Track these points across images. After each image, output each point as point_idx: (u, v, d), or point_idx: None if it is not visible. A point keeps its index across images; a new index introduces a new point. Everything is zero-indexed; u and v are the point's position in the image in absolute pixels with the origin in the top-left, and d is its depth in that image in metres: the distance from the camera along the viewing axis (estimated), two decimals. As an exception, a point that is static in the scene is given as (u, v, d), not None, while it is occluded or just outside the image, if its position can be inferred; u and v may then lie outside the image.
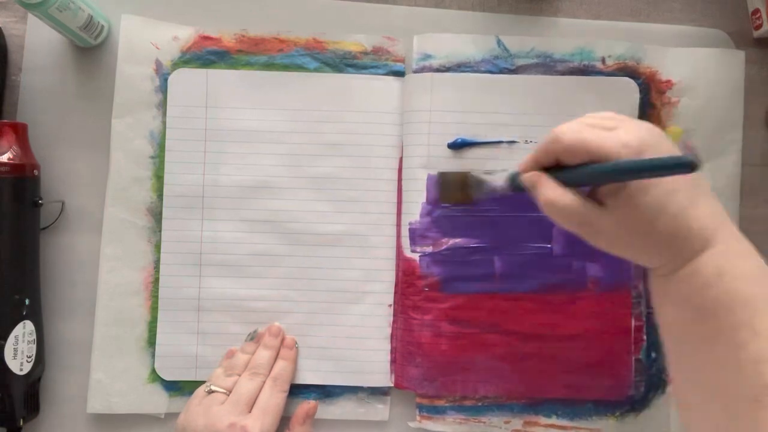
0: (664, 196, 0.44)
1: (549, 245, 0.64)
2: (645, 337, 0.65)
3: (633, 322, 0.65)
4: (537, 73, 0.66)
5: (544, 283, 0.64)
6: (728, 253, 0.45)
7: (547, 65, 0.66)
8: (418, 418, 0.65)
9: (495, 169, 0.55)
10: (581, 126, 0.46)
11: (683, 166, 0.41)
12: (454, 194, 0.61)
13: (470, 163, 0.65)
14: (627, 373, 0.65)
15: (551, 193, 0.47)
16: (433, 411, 0.65)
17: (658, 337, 0.65)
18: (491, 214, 0.64)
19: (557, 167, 0.48)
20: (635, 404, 0.65)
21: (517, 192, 0.52)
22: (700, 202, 0.45)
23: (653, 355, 0.65)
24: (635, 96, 0.65)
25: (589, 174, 0.46)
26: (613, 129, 0.46)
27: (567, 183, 0.47)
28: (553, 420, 0.65)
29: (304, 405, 0.64)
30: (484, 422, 0.65)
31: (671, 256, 0.46)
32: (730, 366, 0.42)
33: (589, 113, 0.48)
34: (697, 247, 0.45)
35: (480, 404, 0.65)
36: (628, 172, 0.44)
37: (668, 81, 0.66)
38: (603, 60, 0.66)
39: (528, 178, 0.49)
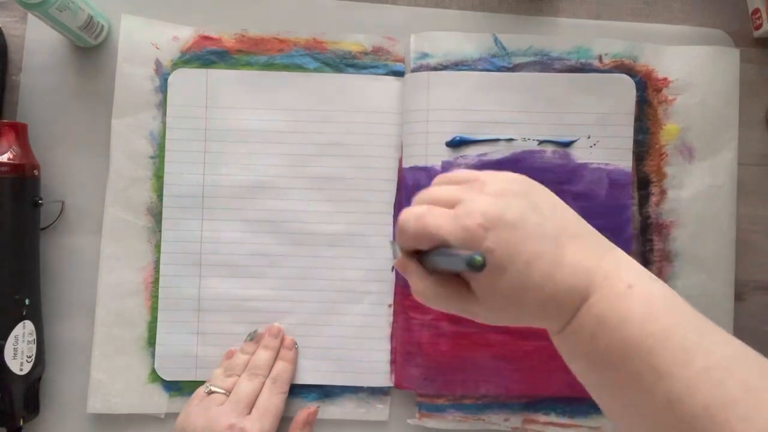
0: (524, 270, 0.40)
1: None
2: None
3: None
4: (534, 71, 0.66)
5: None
6: (607, 298, 0.41)
7: (544, 63, 0.66)
8: (417, 415, 0.65)
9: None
10: (423, 209, 0.43)
11: (472, 267, 0.37)
12: None
13: (469, 160, 0.65)
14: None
15: (417, 283, 0.44)
16: (432, 409, 0.65)
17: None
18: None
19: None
20: (635, 403, 0.65)
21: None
22: (566, 255, 0.41)
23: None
24: (632, 93, 0.65)
25: (433, 263, 0.42)
26: (457, 203, 0.42)
27: (431, 268, 0.43)
28: (552, 418, 0.65)
29: (305, 410, 0.63)
30: (484, 420, 0.65)
31: (552, 320, 0.43)
32: (645, 412, 0.39)
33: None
34: (574, 304, 0.41)
35: (480, 402, 0.65)
36: (452, 266, 0.41)
37: (665, 79, 0.66)
38: (600, 58, 0.66)
39: (397, 265, 0.46)
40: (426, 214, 0.42)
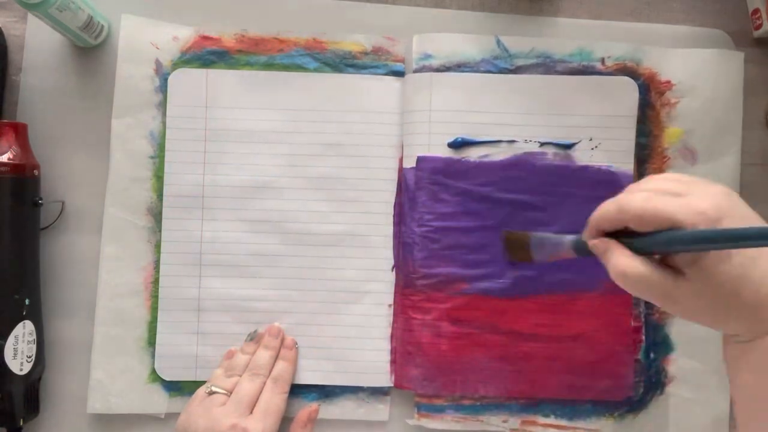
0: (748, 263, 0.41)
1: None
2: (643, 338, 0.65)
3: (632, 323, 0.65)
4: (536, 73, 0.66)
5: (544, 284, 0.65)
6: None
7: (546, 65, 0.66)
8: (416, 416, 0.65)
9: (561, 233, 0.51)
10: (649, 194, 0.43)
11: None
12: (516, 253, 0.56)
13: (470, 162, 0.65)
14: (626, 373, 0.65)
15: (623, 262, 0.43)
16: (431, 409, 0.65)
17: (656, 337, 0.65)
18: (492, 216, 0.65)
19: (625, 233, 0.44)
20: (634, 405, 0.65)
21: (584, 256, 0.49)
22: None
23: (652, 356, 0.65)
24: (635, 96, 0.66)
25: (664, 242, 0.42)
26: (683, 195, 0.42)
27: (638, 250, 0.43)
28: (551, 420, 0.65)
29: (306, 409, 0.63)
30: (482, 421, 0.65)
31: (753, 325, 0.42)
32: None
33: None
34: None
35: (478, 403, 0.65)
36: (708, 242, 0.40)
37: (668, 82, 0.66)
38: (602, 61, 0.66)
39: (596, 245, 0.46)
40: (652, 197, 0.43)
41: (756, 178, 0.68)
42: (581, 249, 0.49)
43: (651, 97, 0.66)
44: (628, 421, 0.65)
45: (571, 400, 0.65)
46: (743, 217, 0.42)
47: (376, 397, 0.66)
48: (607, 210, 0.45)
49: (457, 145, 0.65)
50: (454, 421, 0.65)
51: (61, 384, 0.66)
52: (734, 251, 0.41)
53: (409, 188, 0.65)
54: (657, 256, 0.44)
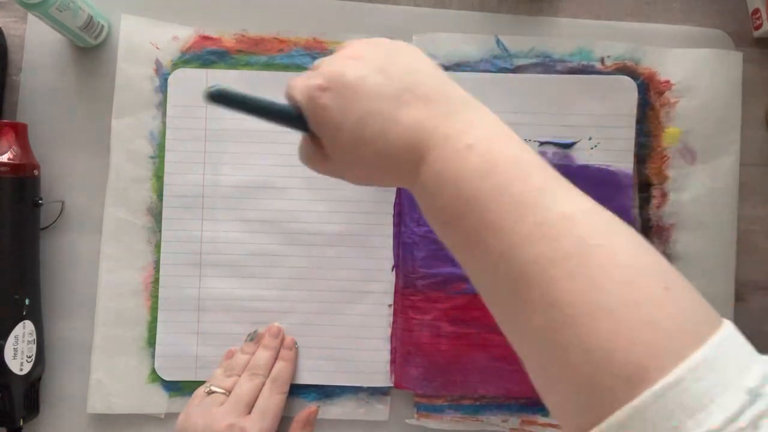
0: (357, 127, 0.42)
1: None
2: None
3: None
4: (536, 72, 0.66)
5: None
6: (444, 157, 0.40)
7: (546, 65, 0.66)
8: (416, 416, 0.65)
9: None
10: (300, 76, 0.45)
11: (205, 96, 0.42)
12: None
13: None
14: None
15: (302, 140, 0.48)
16: (431, 409, 0.65)
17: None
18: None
19: None
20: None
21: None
22: (403, 115, 0.41)
23: (652, 355, 0.65)
24: (634, 95, 0.66)
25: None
26: (317, 68, 0.44)
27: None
28: (551, 419, 0.65)
29: (305, 410, 0.63)
30: (482, 420, 0.65)
31: (397, 176, 0.43)
32: (482, 269, 0.38)
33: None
34: (411, 162, 0.41)
35: (478, 403, 0.65)
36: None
37: (667, 81, 0.66)
38: (602, 60, 0.66)
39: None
40: (295, 76, 0.45)
41: (756, 178, 0.68)
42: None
43: (650, 97, 0.66)
44: (628, 421, 0.65)
45: (571, 399, 0.65)
46: (350, 81, 0.42)
47: (376, 397, 0.66)
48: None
49: (457, 144, 0.65)
50: (454, 421, 0.65)
51: (61, 384, 0.66)
52: (345, 117, 0.42)
53: (409, 188, 0.65)
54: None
